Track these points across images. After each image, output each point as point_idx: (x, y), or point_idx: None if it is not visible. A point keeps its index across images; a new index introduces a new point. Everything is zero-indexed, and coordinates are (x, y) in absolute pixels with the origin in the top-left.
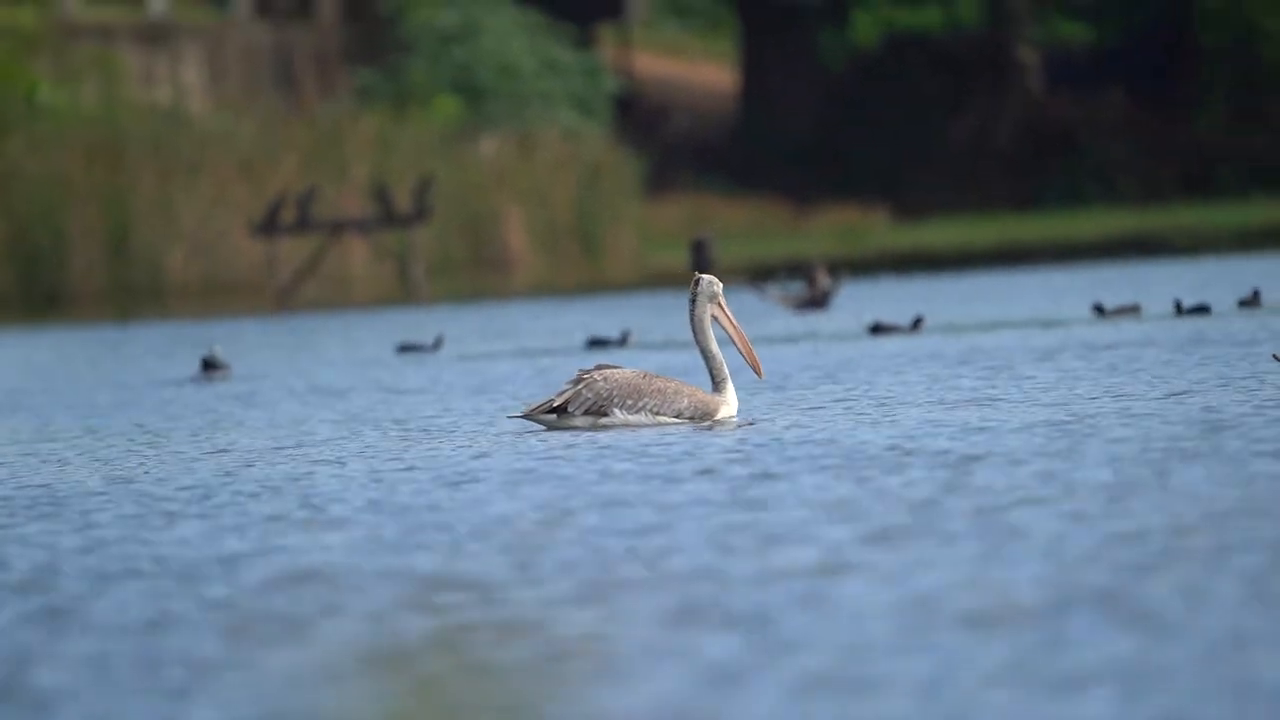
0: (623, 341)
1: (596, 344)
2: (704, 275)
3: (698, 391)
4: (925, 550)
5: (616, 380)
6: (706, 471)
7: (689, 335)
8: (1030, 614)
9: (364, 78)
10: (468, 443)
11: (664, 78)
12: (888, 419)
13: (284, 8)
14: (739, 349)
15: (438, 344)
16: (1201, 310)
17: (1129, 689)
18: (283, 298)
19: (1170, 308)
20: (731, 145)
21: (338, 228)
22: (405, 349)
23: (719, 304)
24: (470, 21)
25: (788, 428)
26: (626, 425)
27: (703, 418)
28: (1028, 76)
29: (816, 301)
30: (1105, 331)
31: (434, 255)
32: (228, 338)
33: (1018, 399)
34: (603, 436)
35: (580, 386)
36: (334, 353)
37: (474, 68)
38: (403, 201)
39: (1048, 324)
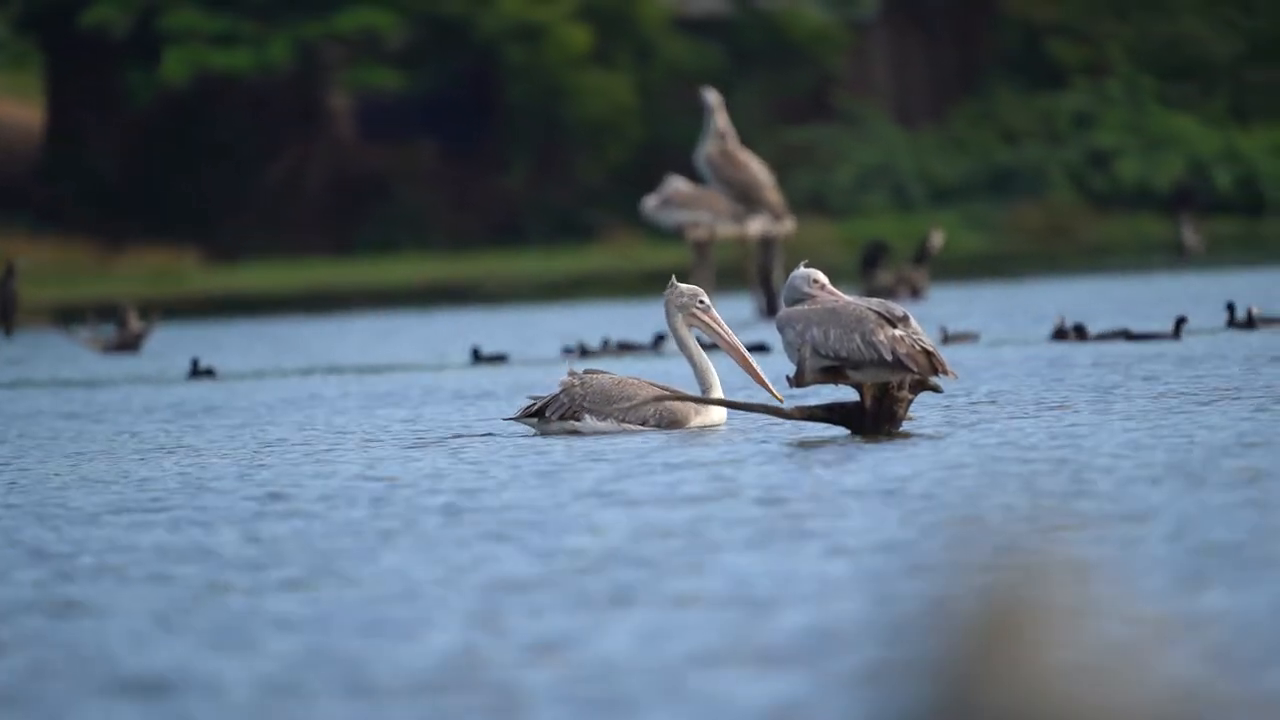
0: None
1: None
2: (678, 284)
3: (671, 399)
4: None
5: (593, 386)
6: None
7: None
8: None
9: None
10: None
11: None
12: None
13: None
14: (738, 365)
15: None
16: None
17: None
18: None
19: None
20: (37, 184)
21: None
22: None
23: (694, 314)
24: None
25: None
26: (597, 432)
27: (670, 425)
28: (339, 123)
29: (128, 344)
30: (401, 379)
31: None
32: None
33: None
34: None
35: (560, 392)
36: None
37: None
38: None
39: (328, 370)
